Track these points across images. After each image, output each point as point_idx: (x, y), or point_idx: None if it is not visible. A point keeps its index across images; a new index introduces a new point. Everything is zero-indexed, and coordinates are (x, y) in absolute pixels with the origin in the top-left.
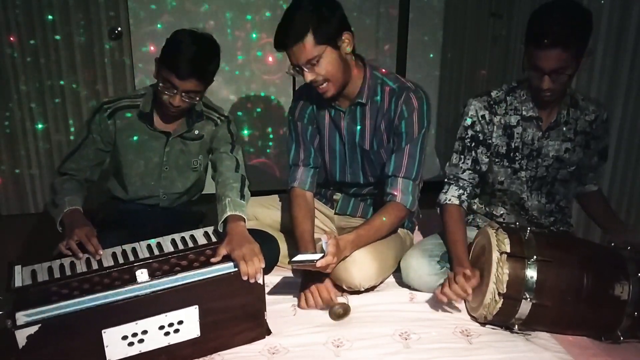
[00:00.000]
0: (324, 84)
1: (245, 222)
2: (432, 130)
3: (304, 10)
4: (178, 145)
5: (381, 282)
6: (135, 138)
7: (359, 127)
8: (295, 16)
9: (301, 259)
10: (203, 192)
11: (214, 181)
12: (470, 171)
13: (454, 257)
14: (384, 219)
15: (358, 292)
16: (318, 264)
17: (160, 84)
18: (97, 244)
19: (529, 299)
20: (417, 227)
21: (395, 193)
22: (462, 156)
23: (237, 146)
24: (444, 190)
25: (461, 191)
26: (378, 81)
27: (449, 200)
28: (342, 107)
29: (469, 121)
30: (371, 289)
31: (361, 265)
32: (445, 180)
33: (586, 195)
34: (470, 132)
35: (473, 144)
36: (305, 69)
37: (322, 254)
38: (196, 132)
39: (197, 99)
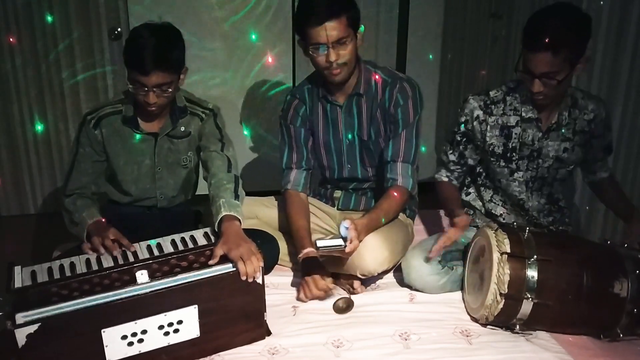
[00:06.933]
0: (339, 68)
1: (240, 222)
2: (431, 131)
3: None
4: (166, 144)
5: (392, 268)
6: (124, 143)
7: (356, 119)
8: None
9: (327, 244)
10: (201, 193)
11: (206, 182)
12: (453, 163)
13: (450, 211)
14: (390, 203)
15: (365, 281)
16: (347, 249)
17: (130, 86)
18: (128, 242)
19: (530, 299)
20: (418, 227)
21: (396, 177)
22: (452, 148)
23: (227, 143)
24: (437, 170)
25: (449, 173)
26: (371, 73)
27: (440, 179)
28: (338, 101)
29: (463, 118)
30: (378, 277)
31: (374, 251)
32: (440, 161)
33: (598, 183)
34: (462, 129)
35: (464, 140)
36: (332, 48)
37: (340, 239)
38: (182, 128)
39: (170, 90)
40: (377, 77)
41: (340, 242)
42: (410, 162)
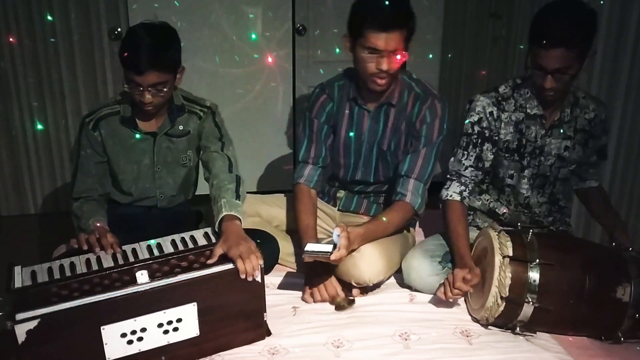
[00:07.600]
0: (386, 78)
1: (241, 221)
2: None
3: (406, 4)
4: (165, 143)
5: (388, 278)
6: (123, 144)
7: (381, 128)
8: (400, 4)
9: (314, 250)
10: (202, 193)
11: (207, 182)
12: (472, 168)
13: (457, 255)
14: (392, 217)
15: (364, 289)
16: (332, 257)
17: (126, 85)
18: (113, 240)
19: (531, 302)
20: (418, 228)
21: (406, 193)
22: (466, 152)
23: (226, 142)
24: (446, 186)
25: (462, 187)
26: (405, 84)
27: (451, 196)
28: (368, 107)
29: (475, 117)
30: (376, 286)
31: (370, 261)
32: (448, 175)
33: (586, 191)
34: (476, 128)
35: (479, 141)
36: (387, 57)
37: (332, 245)
38: (181, 127)
39: (166, 89)
40: (410, 89)
41: (329, 248)
42: (423, 181)
